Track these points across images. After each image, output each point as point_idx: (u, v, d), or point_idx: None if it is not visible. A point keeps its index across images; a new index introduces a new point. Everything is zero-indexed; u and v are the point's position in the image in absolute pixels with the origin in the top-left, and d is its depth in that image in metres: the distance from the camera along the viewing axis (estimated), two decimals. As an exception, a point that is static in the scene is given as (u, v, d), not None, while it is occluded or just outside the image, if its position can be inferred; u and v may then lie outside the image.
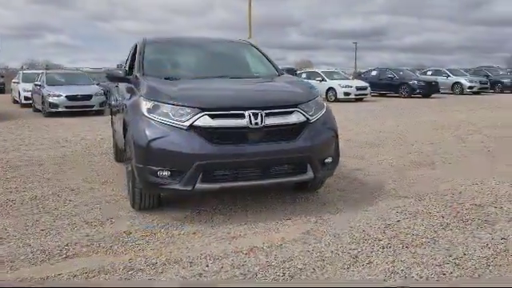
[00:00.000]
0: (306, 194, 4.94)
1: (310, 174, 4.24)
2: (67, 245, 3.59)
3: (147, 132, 3.98)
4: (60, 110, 14.91)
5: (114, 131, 6.65)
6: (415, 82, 24.64)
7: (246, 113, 3.99)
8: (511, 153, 7.31)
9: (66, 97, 14.95)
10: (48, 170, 6.42)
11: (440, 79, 26.98)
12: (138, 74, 4.87)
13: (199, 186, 3.92)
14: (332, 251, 3.39)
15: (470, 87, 27.23)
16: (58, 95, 14.97)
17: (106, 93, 16.58)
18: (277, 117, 4.11)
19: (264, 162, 4.05)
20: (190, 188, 3.92)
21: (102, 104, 15.62)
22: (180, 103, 4.02)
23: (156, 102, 4.10)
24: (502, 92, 28.94)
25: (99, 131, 11.01)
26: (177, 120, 3.97)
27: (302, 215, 4.24)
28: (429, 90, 24.39)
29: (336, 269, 3.10)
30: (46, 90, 15.29)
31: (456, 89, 27.42)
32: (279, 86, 4.82)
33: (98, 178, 5.91)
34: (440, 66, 37.16)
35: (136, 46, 5.77)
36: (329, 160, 4.40)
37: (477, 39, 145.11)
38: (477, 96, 25.89)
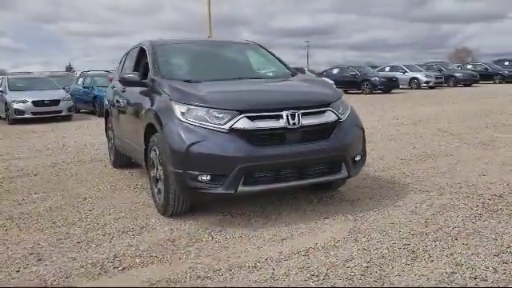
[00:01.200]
0: (329, 192, 4.98)
1: (344, 173, 4.28)
2: (115, 256, 3.46)
3: (186, 136, 3.89)
4: (26, 116, 14.31)
5: (115, 137, 6.45)
6: (377, 78, 25.31)
7: (284, 113, 3.98)
8: (497, 142, 7.64)
9: (32, 102, 14.35)
10: (47, 180, 6.15)
11: (397, 75, 27.83)
12: (155, 78, 4.75)
13: (241, 188, 3.87)
14: (387, 248, 3.44)
15: (427, 82, 28.25)
16: (23, 101, 14.36)
17: (72, 97, 16.09)
18: (312, 117, 4.13)
19: (302, 162, 4.06)
20: (232, 191, 3.86)
21: (70, 109, 15.09)
22: (217, 106, 3.96)
23: (190, 106, 4.02)
24: (455, 86, 30.15)
25: (77, 137, 10.65)
26: (214, 123, 3.91)
27: (337, 214, 4.27)
28: (389, 85, 25.11)
29: (401, 265, 3.14)
30: (10, 96, 14.63)
31: (413, 84, 28.35)
32: (307, 86, 4.83)
33: (105, 186, 5.73)
34: (385, 62, 38.41)
35: (141, 48, 5.63)
36: (358, 158, 4.45)
37: (419, 36, 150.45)
38: (433, 90, 26.86)
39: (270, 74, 5.39)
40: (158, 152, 4.28)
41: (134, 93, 5.19)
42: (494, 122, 10.51)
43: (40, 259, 3.47)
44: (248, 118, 3.91)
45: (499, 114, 11.95)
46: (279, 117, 3.98)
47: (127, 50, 6.73)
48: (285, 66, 5.60)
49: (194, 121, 3.95)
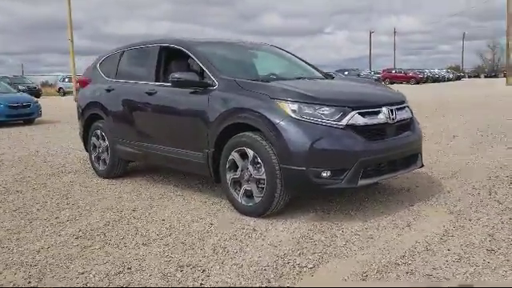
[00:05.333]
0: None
1: (419, 164, 4.67)
2: (279, 258, 3.33)
3: (307, 133, 3.89)
4: None
5: (117, 144, 5.87)
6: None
7: (384, 109, 4.22)
8: (464, 137, 8.77)
9: None
10: (47, 196, 5.36)
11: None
12: (220, 77, 4.57)
13: (361, 182, 4.00)
14: (508, 224, 3.89)
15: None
16: None
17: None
18: (400, 112, 4.44)
19: (400, 154, 4.34)
20: (354, 185, 3.97)
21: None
22: (330, 103, 4.03)
23: (301, 103, 4.01)
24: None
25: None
26: (328, 120, 3.97)
27: (417, 202, 4.57)
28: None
29: (539, 236, 3.62)
30: None
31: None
32: (380, 87, 5.14)
33: (133, 196, 5.22)
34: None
35: (166, 48, 5.32)
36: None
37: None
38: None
39: (315, 75, 5.51)
40: (251, 153, 4.16)
41: (183, 94, 4.84)
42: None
43: (204, 270, 3.18)
44: (359, 114, 4.06)
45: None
46: (380, 112, 4.20)
47: (120, 49, 6.23)
48: (312, 67, 5.79)
49: (308, 118, 3.96)
